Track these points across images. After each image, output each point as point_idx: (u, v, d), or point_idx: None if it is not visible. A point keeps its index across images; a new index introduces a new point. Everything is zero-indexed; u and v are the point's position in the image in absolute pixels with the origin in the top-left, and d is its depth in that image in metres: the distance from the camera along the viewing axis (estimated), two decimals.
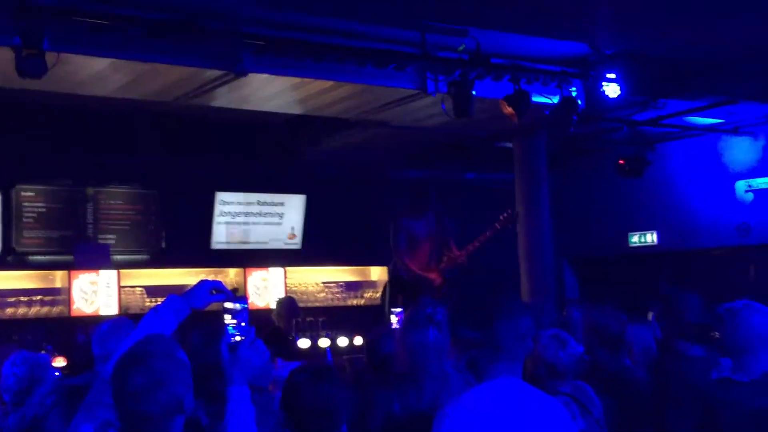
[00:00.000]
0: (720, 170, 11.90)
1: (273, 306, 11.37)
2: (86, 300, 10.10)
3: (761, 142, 11.54)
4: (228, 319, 2.83)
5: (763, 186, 11.48)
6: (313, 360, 6.68)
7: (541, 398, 3.18)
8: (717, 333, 3.96)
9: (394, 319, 6.87)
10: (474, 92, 7.58)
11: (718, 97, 9.73)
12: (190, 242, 10.94)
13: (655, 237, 12.60)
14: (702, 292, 4.63)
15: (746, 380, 3.55)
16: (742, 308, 3.68)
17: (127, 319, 4.07)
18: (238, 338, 2.78)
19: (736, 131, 11.41)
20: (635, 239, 12.82)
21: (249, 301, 3.02)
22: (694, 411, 3.77)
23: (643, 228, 12.73)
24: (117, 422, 2.45)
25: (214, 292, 2.90)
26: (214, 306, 2.92)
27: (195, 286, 2.91)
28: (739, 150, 11.71)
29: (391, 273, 8.59)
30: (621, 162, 10.88)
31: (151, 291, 10.33)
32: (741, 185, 11.67)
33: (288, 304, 8.84)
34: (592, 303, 5.96)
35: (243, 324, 2.80)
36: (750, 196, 11.61)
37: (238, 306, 2.84)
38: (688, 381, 4.50)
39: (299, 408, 3.01)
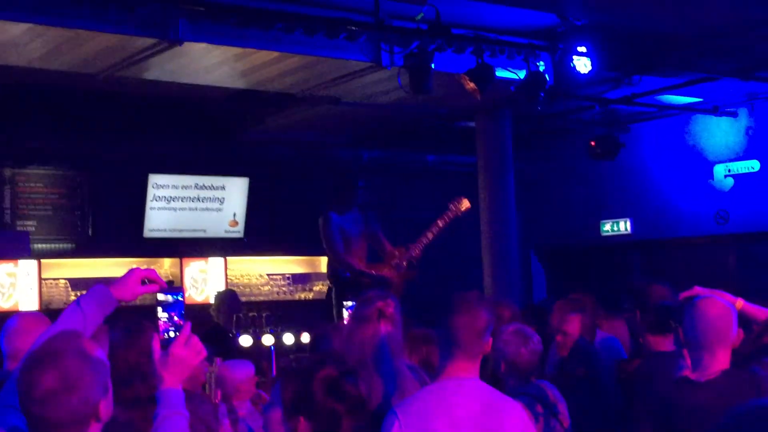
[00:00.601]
0: (698, 153, 12.05)
1: (212, 300, 11.32)
2: (3, 294, 9.93)
3: (742, 123, 11.70)
4: (160, 312, 2.78)
5: (744, 170, 11.64)
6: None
7: (500, 399, 3.19)
8: (677, 325, 4.00)
9: (346, 314, 6.85)
10: (433, 66, 7.57)
11: (696, 73, 9.84)
12: (120, 229, 10.82)
13: (628, 225, 12.73)
14: (679, 284, 4.67)
15: (702, 380, 3.56)
16: (700, 300, 3.69)
17: (40, 313, 4.00)
18: (171, 334, 2.73)
19: (716, 111, 11.55)
20: (607, 228, 12.94)
21: (186, 294, 2.98)
22: (653, 414, 3.80)
23: (616, 216, 12.85)
24: (26, 429, 2.38)
25: (146, 282, 2.84)
26: (148, 298, 2.88)
27: (124, 275, 2.84)
28: (719, 131, 11.87)
29: (331, 276, 8.51)
30: (592, 144, 10.96)
31: (76, 284, 10.17)
32: (720, 169, 11.83)
33: (228, 297, 8.76)
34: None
35: (177, 318, 2.75)
36: (730, 181, 11.77)
37: (171, 298, 2.78)
38: (650, 381, 4.56)
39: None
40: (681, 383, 3.64)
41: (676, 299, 4.07)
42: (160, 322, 2.78)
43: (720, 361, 3.60)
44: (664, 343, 4.97)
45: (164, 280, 2.94)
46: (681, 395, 3.61)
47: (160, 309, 2.80)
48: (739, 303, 3.88)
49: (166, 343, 2.73)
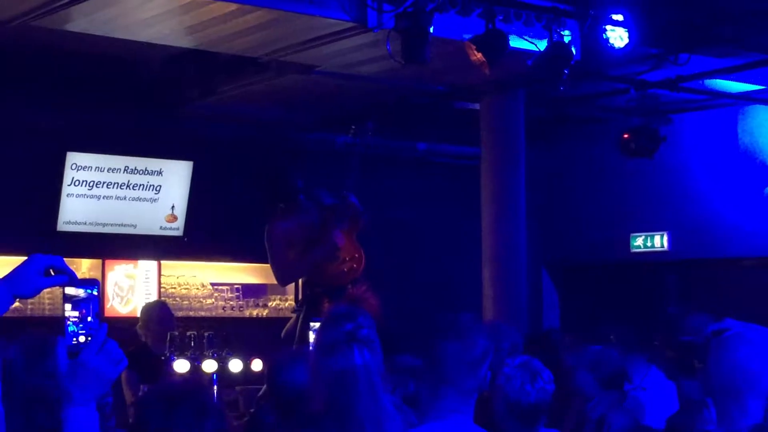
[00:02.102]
0: (753, 155, 12.09)
1: (139, 314, 11.24)
2: None
3: None
4: (69, 310, 2.70)
5: None
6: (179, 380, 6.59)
7: None
8: (700, 363, 3.99)
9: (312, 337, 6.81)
10: (431, 29, 7.55)
11: (756, 54, 9.84)
12: (27, 220, 10.74)
13: (665, 240, 12.76)
14: (724, 314, 4.65)
15: None
16: (729, 336, 3.67)
17: None
18: (81, 339, 2.66)
19: None
20: (639, 243, 12.96)
21: (107, 304, 2.91)
22: None
23: (650, 228, 12.88)
24: None
25: (51, 272, 2.76)
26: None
27: (22, 264, 2.76)
28: None
29: (305, 296, 8.46)
30: (625, 137, 10.97)
31: None
32: None
33: (159, 311, 8.71)
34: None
35: (90, 319, 2.68)
36: None
37: (83, 292, 2.71)
38: None
39: None
40: None
41: (704, 333, 4.07)
42: (68, 323, 2.70)
43: (751, 413, 3.56)
44: (692, 389, 4.98)
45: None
46: None
47: (68, 306, 2.72)
48: None
49: (76, 351, 2.66)
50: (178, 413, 2.93)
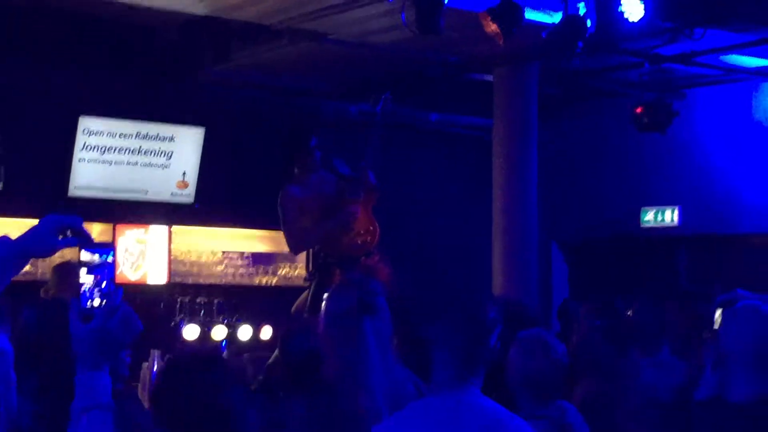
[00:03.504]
0: (767, 131, 12.03)
1: (151, 280, 11.28)
2: None
3: None
4: (84, 275, 2.70)
5: None
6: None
7: (507, 421, 3.18)
8: (708, 333, 4.04)
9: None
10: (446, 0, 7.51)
11: None
12: (39, 184, 10.76)
13: (676, 215, 12.73)
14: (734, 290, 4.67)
15: (738, 401, 3.59)
16: (742, 307, 3.72)
17: None
18: (96, 303, 2.65)
19: None
20: (650, 217, 12.94)
21: (117, 269, 2.91)
22: None
23: (661, 203, 12.85)
24: None
25: (67, 233, 2.75)
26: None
27: (37, 224, 2.75)
28: None
29: (317, 265, 8.42)
30: (638, 111, 10.95)
31: None
32: None
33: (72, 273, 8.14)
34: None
35: (105, 284, 2.68)
36: None
37: (98, 258, 2.70)
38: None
39: (177, 407, 2.90)
40: (712, 405, 3.67)
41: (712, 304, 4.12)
42: (83, 288, 2.69)
43: (758, 381, 3.66)
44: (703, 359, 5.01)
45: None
46: (714, 419, 3.63)
47: (83, 271, 2.71)
48: None
49: (90, 315, 2.66)
50: (204, 380, 2.93)
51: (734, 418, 3.60)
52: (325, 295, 4.09)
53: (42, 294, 7.75)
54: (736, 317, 3.71)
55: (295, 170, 8.12)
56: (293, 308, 8.16)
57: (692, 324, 5.09)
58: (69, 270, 7.76)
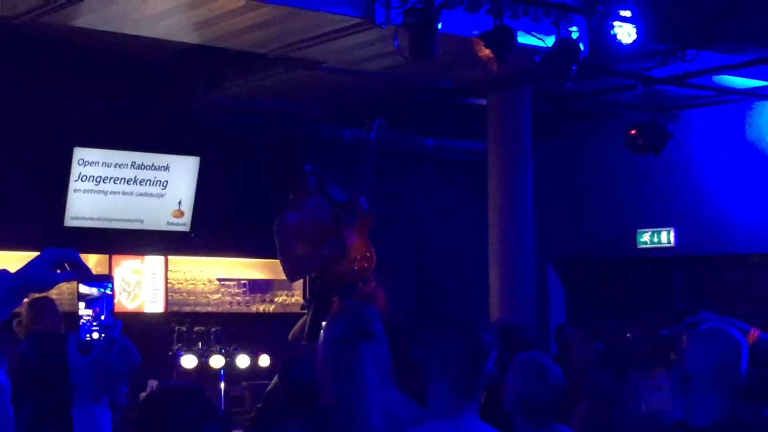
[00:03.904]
0: (761, 151, 12.06)
1: (148, 308, 11.26)
2: None
3: None
4: (82, 308, 2.69)
5: None
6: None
7: None
8: (674, 355, 4.06)
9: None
10: (439, 26, 7.55)
11: (765, 50, 9.83)
12: (35, 214, 10.74)
13: (672, 236, 12.74)
14: (731, 310, 4.68)
15: (702, 425, 3.59)
16: (704, 329, 3.72)
17: None
18: (95, 336, 2.65)
19: None
20: (646, 238, 12.95)
21: (114, 299, 2.90)
22: None
23: (657, 224, 12.86)
24: None
25: (66, 267, 2.74)
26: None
27: (35, 258, 2.74)
28: None
29: (314, 292, 8.41)
30: (632, 133, 10.96)
31: None
32: None
33: (47, 308, 7.97)
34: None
35: (104, 317, 2.67)
36: None
37: (97, 291, 2.70)
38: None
39: None
40: (678, 428, 3.67)
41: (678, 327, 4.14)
42: (81, 321, 2.69)
43: (725, 403, 3.66)
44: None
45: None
46: None
47: (82, 305, 2.71)
48: (753, 334, 3.92)
49: (89, 348, 2.65)
50: (181, 413, 2.95)
51: None
52: (324, 323, 4.11)
53: (15, 328, 7.68)
54: (699, 339, 3.71)
55: (290, 196, 8.14)
56: (290, 335, 8.16)
57: (658, 342, 5.13)
58: (43, 305, 7.75)
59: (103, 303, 2.68)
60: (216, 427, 2.94)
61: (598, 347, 5.60)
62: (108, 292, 2.70)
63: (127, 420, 4.64)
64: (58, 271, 2.71)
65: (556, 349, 9.64)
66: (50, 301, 8.13)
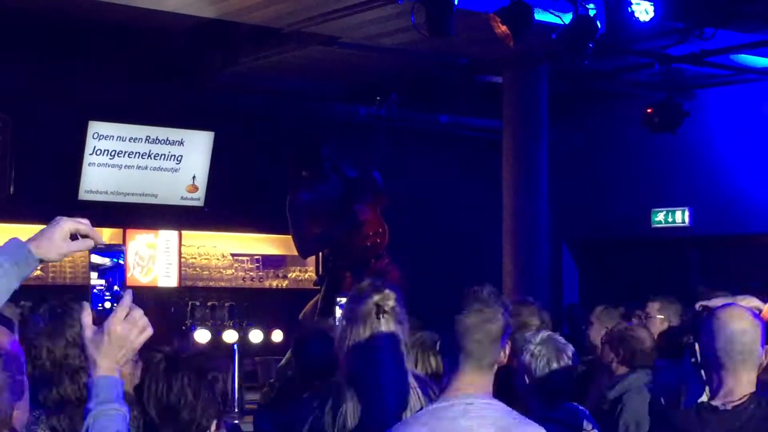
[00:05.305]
0: None
1: (161, 283, 11.29)
2: None
3: None
4: (94, 278, 2.68)
5: None
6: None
7: (519, 424, 3.18)
8: (690, 338, 4.02)
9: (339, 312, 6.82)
10: (456, 1, 7.54)
11: None
12: (50, 188, 10.76)
13: (686, 216, 12.72)
14: (746, 291, 4.66)
15: (728, 407, 3.59)
16: (720, 310, 3.70)
17: None
18: (107, 305, 2.64)
19: None
20: (660, 218, 12.93)
21: (127, 273, 2.89)
22: None
23: (672, 204, 12.84)
24: None
25: (77, 236, 2.72)
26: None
27: (48, 226, 2.72)
28: None
29: (327, 268, 8.41)
30: (649, 111, 10.93)
31: None
32: None
33: None
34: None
35: (116, 287, 2.67)
36: None
37: (109, 261, 2.69)
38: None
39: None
40: (701, 411, 3.65)
41: (691, 310, 4.10)
42: (94, 291, 2.68)
43: (745, 384, 3.63)
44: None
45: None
46: (703, 424, 3.61)
47: (94, 275, 2.70)
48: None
49: (101, 318, 2.65)
50: (177, 377, 3.00)
51: (715, 422, 3.58)
52: (343, 300, 4.12)
53: None
54: (712, 320, 3.69)
55: (303, 173, 8.13)
56: (302, 314, 8.17)
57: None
58: None
59: (115, 273, 2.68)
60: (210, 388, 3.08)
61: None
62: (120, 261, 2.70)
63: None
64: (71, 241, 2.70)
65: (567, 328, 9.62)
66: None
